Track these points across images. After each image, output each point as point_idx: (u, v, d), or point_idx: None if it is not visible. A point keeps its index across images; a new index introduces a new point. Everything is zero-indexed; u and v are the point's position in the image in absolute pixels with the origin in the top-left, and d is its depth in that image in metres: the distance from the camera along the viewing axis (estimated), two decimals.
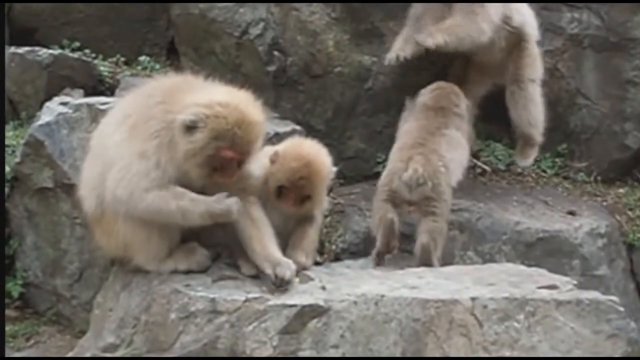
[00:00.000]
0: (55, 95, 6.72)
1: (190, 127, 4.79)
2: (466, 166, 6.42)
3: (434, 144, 6.05)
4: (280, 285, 4.93)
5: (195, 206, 4.87)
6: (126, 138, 4.93)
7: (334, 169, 5.47)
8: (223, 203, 4.89)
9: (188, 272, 5.10)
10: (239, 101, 4.89)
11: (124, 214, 4.93)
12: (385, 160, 7.22)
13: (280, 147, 5.36)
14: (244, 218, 5.05)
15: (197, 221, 4.92)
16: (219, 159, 4.85)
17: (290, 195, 5.21)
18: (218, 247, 5.30)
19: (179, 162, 4.87)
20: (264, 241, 5.04)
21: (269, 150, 5.48)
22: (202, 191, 4.98)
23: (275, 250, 5.04)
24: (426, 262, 5.68)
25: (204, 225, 4.98)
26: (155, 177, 4.85)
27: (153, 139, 4.88)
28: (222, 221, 4.96)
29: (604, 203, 7.15)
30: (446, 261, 5.99)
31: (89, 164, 5.26)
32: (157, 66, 7.68)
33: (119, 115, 5.12)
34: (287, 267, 4.97)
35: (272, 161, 5.22)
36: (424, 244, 5.73)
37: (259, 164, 5.22)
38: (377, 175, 7.23)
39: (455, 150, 6.17)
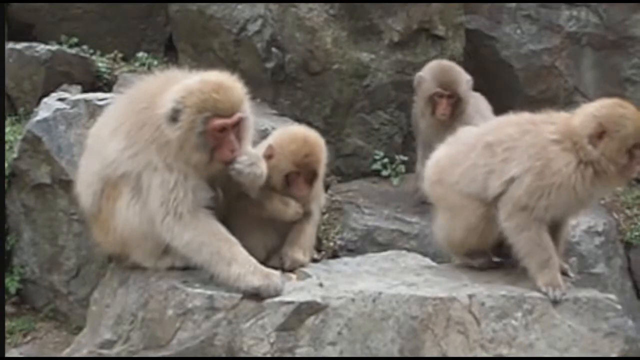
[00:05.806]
0: (53, 91, 6.71)
1: (173, 116, 4.77)
2: None
3: None
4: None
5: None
6: (125, 148, 4.91)
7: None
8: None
9: (185, 268, 5.08)
10: (211, 76, 4.92)
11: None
12: (384, 157, 7.23)
13: (270, 140, 5.32)
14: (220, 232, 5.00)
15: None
16: (213, 134, 4.78)
17: (299, 179, 5.16)
18: None
19: (180, 155, 4.83)
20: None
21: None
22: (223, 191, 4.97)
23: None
24: None
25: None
26: (186, 191, 4.82)
27: (150, 144, 4.86)
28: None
29: (602, 201, 7.15)
30: (444, 259, 5.99)
31: (85, 162, 5.24)
32: (155, 62, 7.68)
33: (112, 121, 5.08)
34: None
35: (269, 156, 5.17)
36: None
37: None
38: (375, 172, 7.25)
39: None
